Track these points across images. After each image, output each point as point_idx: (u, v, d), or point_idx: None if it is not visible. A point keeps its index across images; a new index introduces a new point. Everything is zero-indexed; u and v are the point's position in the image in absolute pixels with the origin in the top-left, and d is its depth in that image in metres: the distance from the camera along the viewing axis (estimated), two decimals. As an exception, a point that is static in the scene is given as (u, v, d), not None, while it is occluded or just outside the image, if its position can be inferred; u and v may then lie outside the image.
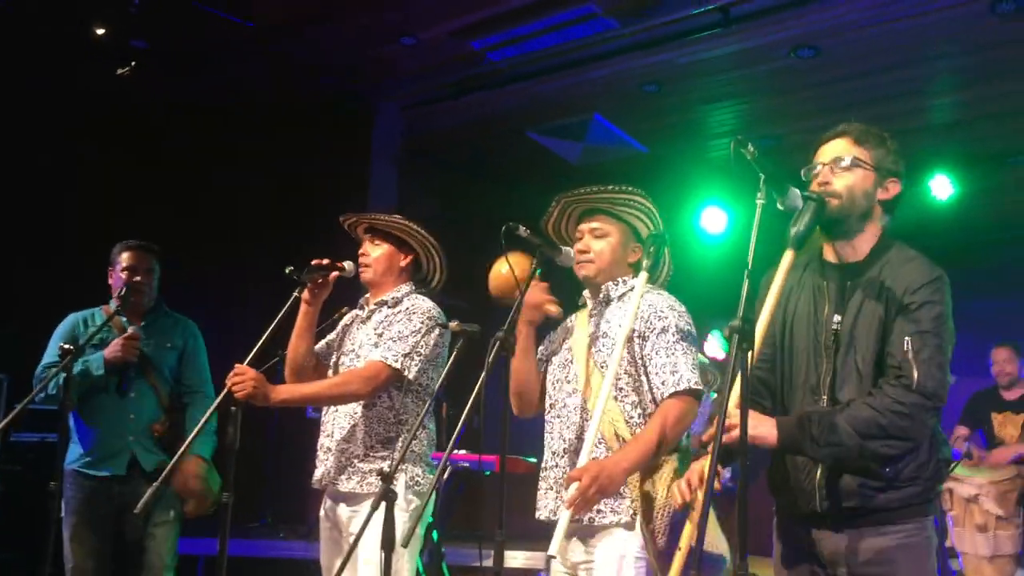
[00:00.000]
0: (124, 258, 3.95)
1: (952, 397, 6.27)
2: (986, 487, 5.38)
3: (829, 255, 2.42)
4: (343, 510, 3.16)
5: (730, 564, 2.53)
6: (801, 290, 2.39)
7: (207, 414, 3.05)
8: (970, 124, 6.42)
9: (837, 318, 2.31)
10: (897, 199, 2.40)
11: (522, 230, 2.61)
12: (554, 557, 2.45)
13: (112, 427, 3.81)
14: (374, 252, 3.32)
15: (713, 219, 7.51)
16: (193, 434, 3.03)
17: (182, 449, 3.06)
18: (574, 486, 2.43)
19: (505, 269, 2.79)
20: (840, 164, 2.35)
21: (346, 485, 3.14)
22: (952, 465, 5.19)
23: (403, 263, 3.34)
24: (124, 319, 3.91)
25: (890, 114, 5.91)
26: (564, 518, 2.43)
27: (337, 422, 3.22)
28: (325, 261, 3.24)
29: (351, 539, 2.88)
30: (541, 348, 2.94)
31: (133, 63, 5.78)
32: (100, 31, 5.56)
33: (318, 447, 3.26)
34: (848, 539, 2.25)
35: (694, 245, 7.45)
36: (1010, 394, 5.89)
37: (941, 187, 6.65)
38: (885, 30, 5.33)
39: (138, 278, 3.90)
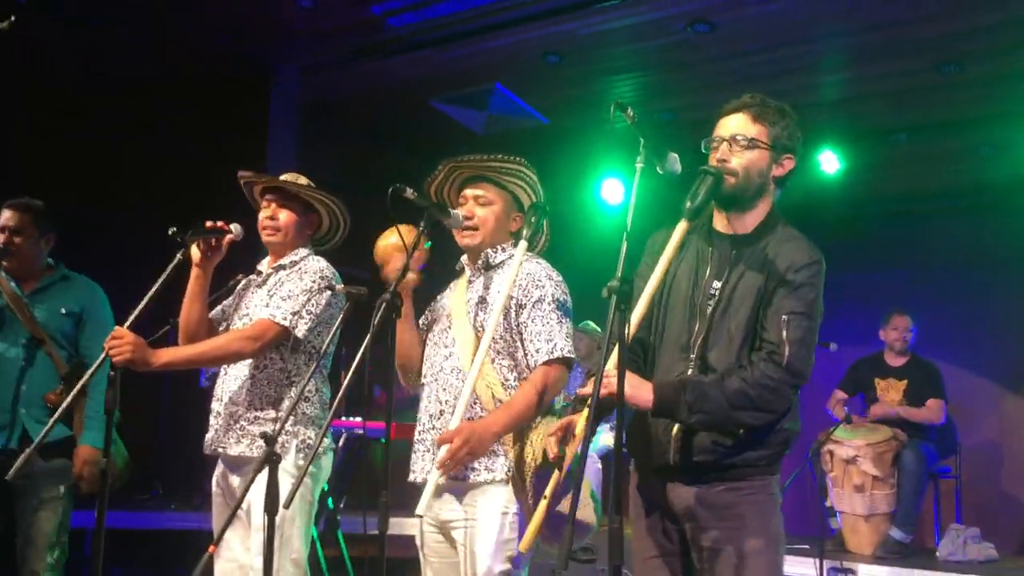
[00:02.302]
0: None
1: (835, 364, 6.48)
2: (864, 449, 5.58)
3: (719, 224, 2.49)
4: (234, 479, 3.11)
5: (597, 525, 2.62)
6: (684, 253, 2.46)
7: (80, 383, 2.93)
8: (857, 101, 6.62)
9: (716, 284, 2.39)
10: (790, 174, 2.47)
11: (409, 192, 2.61)
12: (422, 516, 2.50)
13: (3, 398, 3.65)
14: (282, 216, 3.26)
15: (613, 190, 7.62)
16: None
17: (50, 422, 2.96)
18: (444, 447, 2.47)
19: (394, 238, 2.77)
20: (738, 142, 2.40)
21: (235, 448, 3.08)
22: (832, 428, 5.42)
23: (309, 229, 3.33)
24: (13, 283, 3.71)
25: (782, 90, 5.92)
26: (432, 478, 2.48)
27: (227, 386, 3.16)
28: (219, 223, 3.16)
29: (243, 505, 2.85)
30: (422, 319, 2.96)
31: (12, 17, 5.48)
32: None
33: (210, 413, 3.20)
34: (698, 494, 2.33)
35: (594, 216, 7.56)
36: (895, 360, 6.11)
37: (829, 162, 6.88)
38: (778, 7, 5.43)
39: (2, 238, 3.71)
